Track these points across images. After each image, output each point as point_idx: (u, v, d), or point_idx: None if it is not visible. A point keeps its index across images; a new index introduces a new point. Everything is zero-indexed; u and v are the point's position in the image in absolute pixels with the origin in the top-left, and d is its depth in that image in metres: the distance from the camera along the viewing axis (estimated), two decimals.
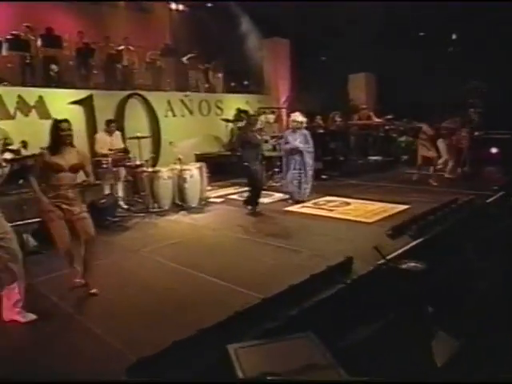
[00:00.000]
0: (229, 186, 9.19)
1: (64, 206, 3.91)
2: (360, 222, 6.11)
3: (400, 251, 4.73)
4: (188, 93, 11.28)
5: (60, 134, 3.87)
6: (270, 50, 13.37)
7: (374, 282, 4.10)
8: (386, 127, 11.30)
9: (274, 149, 9.32)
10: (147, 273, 4.55)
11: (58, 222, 3.87)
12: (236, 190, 8.78)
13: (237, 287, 4.05)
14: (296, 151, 7.28)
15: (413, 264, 3.72)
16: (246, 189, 6.94)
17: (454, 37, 12.54)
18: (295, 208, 7.11)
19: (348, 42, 11.49)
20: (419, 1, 10.59)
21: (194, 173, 7.31)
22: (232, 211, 7.12)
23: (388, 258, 4.36)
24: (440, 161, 8.79)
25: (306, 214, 6.67)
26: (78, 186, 4.09)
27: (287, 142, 7.33)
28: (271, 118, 11.85)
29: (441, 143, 8.75)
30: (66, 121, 3.98)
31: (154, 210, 7.05)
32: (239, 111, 11.33)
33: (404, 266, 3.71)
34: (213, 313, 3.40)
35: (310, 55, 12.75)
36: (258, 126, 6.83)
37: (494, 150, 9.39)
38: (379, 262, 4.35)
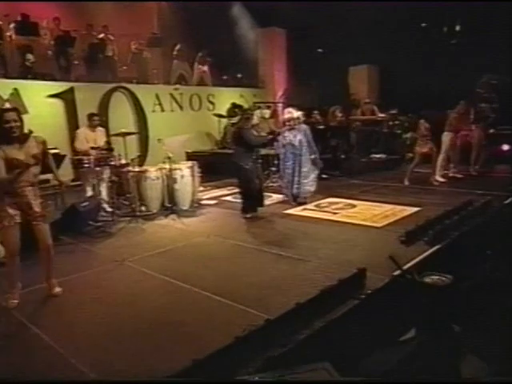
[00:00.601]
0: (222, 187, 8.87)
1: (22, 207, 3.59)
2: (368, 226, 5.81)
3: (417, 260, 4.40)
4: (177, 86, 10.94)
5: (4, 126, 3.47)
6: (265, 41, 13.07)
7: (391, 297, 3.76)
8: (390, 123, 10.96)
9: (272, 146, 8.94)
10: (132, 287, 4.17)
11: (9, 227, 3.55)
12: (230, 191, 8.44)
13: (235, 304, 3.69)
14: (295, 149, 6.96)
15: (437, 277, 3.38)
16: (238, 192, 6.58)
17: (457, 28, 12.30)
18: (296, 211, 6.80)
19: (349, 32, 11.20)
20: None
21: (185, 173, 6.96)
22: (227, 215, 6.79)
23: (405, 268, 4.03)
24: (440, 157, 8.46)
25: (308, 218, 6.36)
26: (52, 188, 3.71)
27: (284, 140, 7.01)
28: (267, 113, 11.56)
29: (445, 137, 8.40)
30: (12, 110, 3.63)
31: (141, 213, 6.71)
32: (233, 106, 11.04)
33: (428, 280, 3.37)
34: (207, 337, 3.04)
35: (308, 46, 12.45)
36: (254, 121, 6.43)
37: (505, 147, 9.14)
38: (395, 274, 4.01)
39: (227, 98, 11.69)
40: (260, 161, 6.77)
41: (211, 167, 9.23)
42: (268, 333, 3.03)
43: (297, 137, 6.97)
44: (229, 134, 11.09)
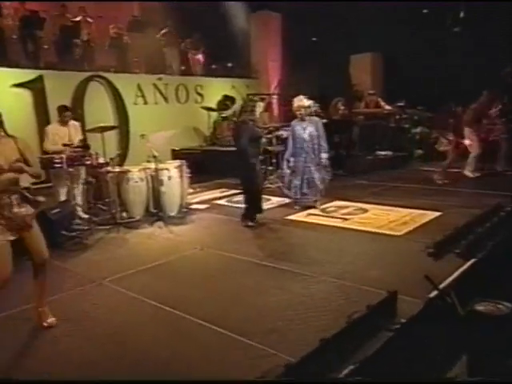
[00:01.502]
0: (213, 189, 8.45)
1: (6, 218, 3.14)
2: (386, 234, 5.37)
3: (453, 277, 3.93)
4: (162, 76, 10.41)
5: None
6: (258, 27, 12.61)
7: (430, 326, 3.28)
8: (397, 116, 10.58)
9: (270, 143, 8.46)
10: (114, 316, 3.63)
11: None
12: (222, 194, 8.04)
13: (241, 338, 3.17)
14: (305, 144, 6.50)
15: (491, 305, 2.90)
16: (241, 196, 6.15)
17: (461, 15, 11.96)
18: (300, 216, 6.35)
19: (349, 17, 10.78)
20: None
21: (173, 173, 6.46)
22: (221, 221, 6.32)
23: (442, 288, 3.55)
24: (472, 154, 8.14)
25: (315, 225, 5.91)
26: (25, 189, 3.21)
27: (293, 133, 6.55)
28: (260, 106, 10.94)
29: (469, 134, 8.03)
30: None
31: (123, 220, 6.22)
32: (224, 98, 10.63)
33: (480, 308, 2.89)
34: None
35: (306, 32, 11.97)
36: (257, 113, 5.93)
37: None
38: (431, 296, 3.54)
39: (217, 89, 11.27)
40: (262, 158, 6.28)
41: (200, 166, 8.78)
42: (289, 381, 2.52)
43: (307, 130, 6.49)
44: (219, 128, 10.70)
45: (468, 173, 8.37)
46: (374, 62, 12.14)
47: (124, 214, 6.34)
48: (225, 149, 9.93)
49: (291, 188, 6.78)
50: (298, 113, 6.53)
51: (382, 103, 10.43)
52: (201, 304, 3.73)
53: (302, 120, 6.54)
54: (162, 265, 4.68)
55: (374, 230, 5.54)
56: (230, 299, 3.80)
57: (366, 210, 6.45)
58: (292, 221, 6.15)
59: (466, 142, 7.98)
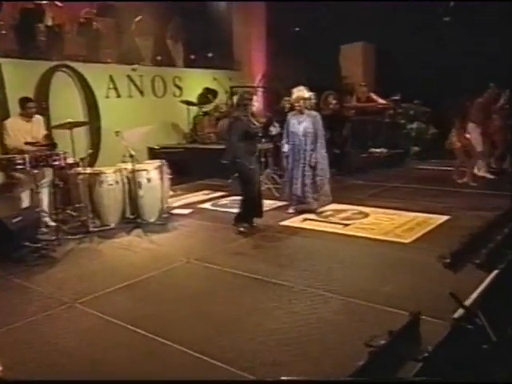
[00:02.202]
0: (196, 191, 8.13)
1: None
2: (393, 242, 5.10)
3: (478, 292, 3.63)
4: (136, 66, 9.88)
5: None
6: (240, 14, 12.21)
7: (459, 353, 2.96)
8: (391, 111, 10.39)
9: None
10: (88, 347, 3.20)
11: None
12: (206, 196, 7.74)
13: (240, 372, 2.79)
14: (296, 140, 6.22)
15: None
16: (238, 198, 5.83)
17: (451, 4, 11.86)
18: (296, 222, 6.06)
19: (339, 4, 10.49)
20: None
21: (153, 175, 6.09)
22: (208, 228, 5.98)
23: (467, 306, 3.25)
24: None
25: (312, 232, 5.61)
26: None
27: (289, 127, 6.26)
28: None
29: (473, 130, 7.84)
30: None
31: (96, 229, 5.83)
32: (206, 91, 10.29)
33: None
34: None
35: (291, 21, 11.62)
36: (253, 106, 5.59)
37: None
38: (456, 316, 3.22)
39: (197, 81, 10.83)
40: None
41: (179, 166, 8.35)
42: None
43: (302, 124, 6.20)
44: (200, 124, 10.32)
45: (481, 173, 8.21)
46: (366, 52, 11.82)
47: (97, 222, 5.96)
48: (207, 147, 9.65)
49: (285, 189, 6.52)
50: (296, 105, 6.24)
51: (375, 97, 10.19)
52: (190, 330, 3.35)
53: (300, 113, 6.24)
54: (143, 282, 4.27)
55: (378, 237, 5.28)
56: (224, 324, 3.42)
57: (366, 214, 6.21)
58: (287, 227, 5.84)
59: (467, 136, 7.81)
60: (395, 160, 9.98)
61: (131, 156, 5.85)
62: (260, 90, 11.49)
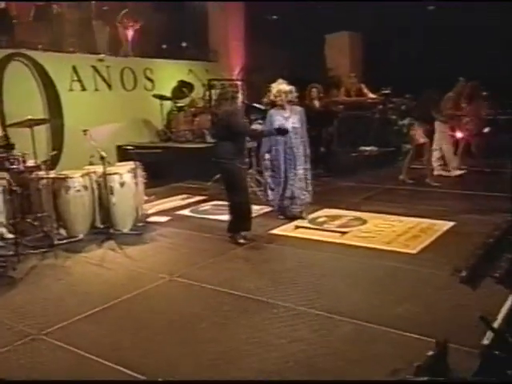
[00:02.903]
0: (173, 195, 7.77)
1: None
2: (398, 253, 4.88)
3: (505, 312, 3.41)
4: (103, 56, 9.57)
5: None
6: (216, 1, 11.80)
7: None
8: (380, 106, 10.22)
9: None
10: None
11: None
12: (184, 201, 7.40)
13: None
14: (288, 137, 5.96)
15: None
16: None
17: None
18: (287, 230, 5.81)
19: None
20: None
21: (126, 178, 5.77)
22: (189, 239, 5.64)
23: (497, 329, 3.02)
24: (435, 152, 8.32)
25: (307, 241, 5.35)
26: None
27: (272, 125, 5.97)
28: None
29: (437, 126, 8.20)
30: None
31: (62, 241, 5.41)
32: (181, 84, 9.98)
33: None
34: None
35: (272, 8, 11.47)
36: (239, 98, 5.32)
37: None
38: (486, 343, 2.99)
39: (171, 73, 10.51)
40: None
41: (152, 167, 7.96)
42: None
43: (289, 120, 5.99)
44: (174, 121, 9.99)
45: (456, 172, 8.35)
46: (353, 42, 11.80)
47: (63, 233, 5.57)
48: (182, 146, 9.34)
49: (271, 194, 6.28)
50: (278, 99, 6.05)
51: (366, 90, 10.04)
52: (173, 364, 3.03)
53: (283, 108, 6.03)
54: (119, 306, 3.89)
55: (381, 246, 5.07)
56: (216, 356, 3.09)
57: (364, 221, 6.02)
58: (278, 236, 5.58)
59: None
60: (386, 159, 9.82)
61: (102, 158, 5.44)
62: (240, 83, 11.19)
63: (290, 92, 6.05)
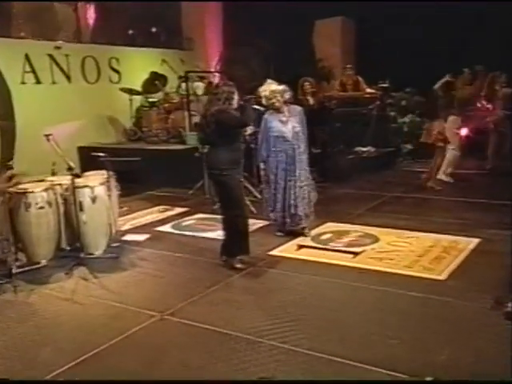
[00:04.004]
0: (149, 206, 7.49)
1: None
2: (424, 279, 4.63)
3: None
4: (60, 43, 9.40)
5: None
6: None
7: None
8: (378, 102, 10.10)
9: None
10: None
11: None
12: (163, 214, 7.11)
13: None
14: (287, 145, 5.79)
15: None
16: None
17: None
18: (288, 250, 5.53)
19: None
20: None
21: (98, 192, 5.41)
22: (175, 262, 5.30)
23: None
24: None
25: (314, 265, 5.07)
26: None
27: (269, 131, 5.81)
28: (199, 87, 10.20)
29: (449, 122, 8.05)
30: None
31: (22, 268, 4.98)
32: (154, 76, 9.78)
33: None
34: None
35: None
36: (235, 99, 5.01)
37: None
38: None
39: (141, 63, 10.47)
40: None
41: (121, 172, 7.59)
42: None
43: (289, 124, 5.78)
44: (146, 118, 9.84)
45: (442, 176, 8.32)
46: (345, 28, 11.70)
47: (22, 258, 5.16)
48: (155, 147, 9.17)
49: (268, 207, 6.05)
50: (271, 102, 5.83)
51: (364, 85, 9.96)
52: None
53: (279, 111, 5.81)
54: (99, 357, 3.46)
55: (403, 271, 4.82)
56: None
57: (375, 238, 5.81)
58: (280, 258, 5.29)
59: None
60: (385, 161, 9.88)
61: (70, 169, 5.01)
62: (218, 75, 11.11)
63: (285, 91, 5.84)
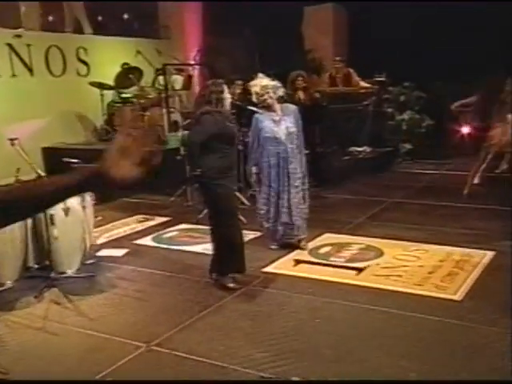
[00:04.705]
0: (125, 216, 7.35)
1: None
2: (438, 299, 4.55)
3: None
4: (21, 31, 9.27)
5: None
6: None
7: None
8: (374, 97, 10.15)
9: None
10: None
11: None
12: (143, 225, 7.00)
13: None
14: (280, 147, 5.71)
15: None
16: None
17: None
18: (285, 266, 5.44)
19: None
20: None
21: (72, 204, 5.23)
22: (159, 281, 5.18)
23: None
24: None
25: (314, 283, 4.98)
26: None
27: (261, 132, 5.73)
28: (177, 80, 10.18)
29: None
30: None
31: None
32: (127, 69, 9.65)
33: None
34: None
35: None
36: (227, 100, 4.92)
37: None
38: None
39: (112, 54, 10.36)
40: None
41: None
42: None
43: (282, 124, 5.69)
44: (118, 115, 9.70)
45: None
46: (338, 17, 11.71)
47: None
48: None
49: (260, 217, 5.98)
50: (262, 98, 5.71)
51: (357, 78, 9.94)
52: None
53: (271, 110, 5.72)
54: None
55: (413, 290, 4.75)
56: None
57: (379, 251, 5.77)
58: (276, 276, 5.20)
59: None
60: (382, 162, 9.89)
61: (39, 177, 4.83)
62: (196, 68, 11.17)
63: (277, 87, 5.75)
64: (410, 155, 10.11)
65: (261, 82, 5.70)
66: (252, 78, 6.34)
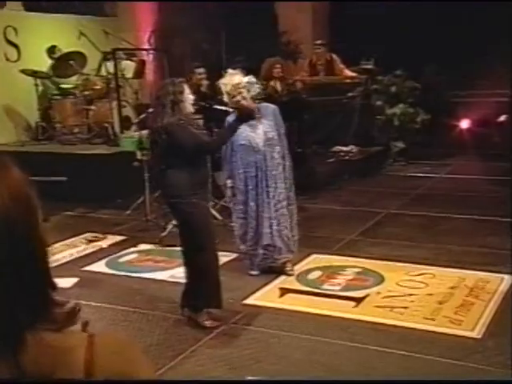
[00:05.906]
0: (71, 234, 7.19)
1: None
2: (452, 336, 4.57)
3: None
4: None
5: None
6: None
7: None
8: (361, 88, 10.35)
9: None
10: None
11: None
12: (93, 246, 6.95)
13: None
14: (257, 155, 5.75)
15: None
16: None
17: None
18: (269, 297, 5.44)
19: None
20: None
21: None
22: (119, 319, 5.07)
23: None
24: None
25: (305, 318, 4.95)
26: None
27: (233, 141, 5.73)
28: (129, 66, 10.36)
29: None
30: None
31: None
32: (66, 54, 9.46)
33: None
34: None
35: None
36: (187, 102, 4.91)
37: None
38: None
39: (49, 36, 10.26)
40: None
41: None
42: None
43: (259, 129, 5.71)
44: (57, 110, 9.72)
45: None
46: None
47: None
48: (71, 151, 9.01)
49: (238, 238, 5.99)
50: (235, 100, 5.67)
51: (341, 65, 10.07)
52: None
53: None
54: None
55: (423, 326, 4.75)
56: None
57: (379, 276, 5.78)
58: (259, 310, 5.17)
59: None
60: (372, 164, 10.02)
61: None
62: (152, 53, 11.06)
63: (251, 83, 5.72)
64: (403, 155, 10.22)
65: (232, 80, 5.68)
66: (217, 68, 6.33)
